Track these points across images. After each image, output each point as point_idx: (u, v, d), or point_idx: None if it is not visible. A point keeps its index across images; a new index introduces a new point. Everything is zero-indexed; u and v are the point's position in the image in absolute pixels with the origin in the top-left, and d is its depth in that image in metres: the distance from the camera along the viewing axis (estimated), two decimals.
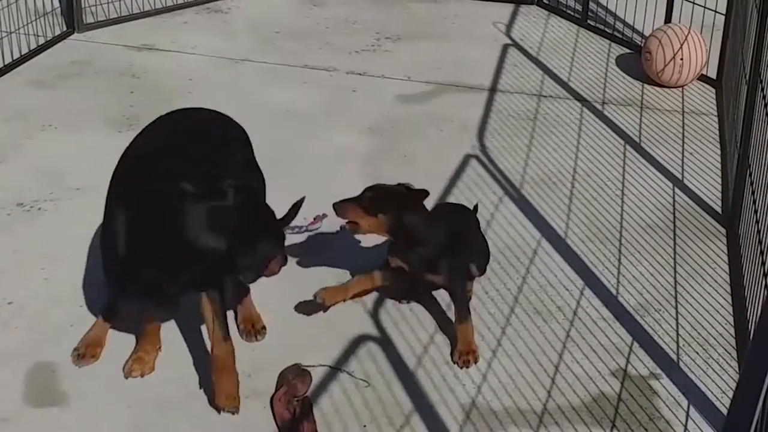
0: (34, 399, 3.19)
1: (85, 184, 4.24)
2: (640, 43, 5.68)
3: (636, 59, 5.55)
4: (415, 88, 5.37)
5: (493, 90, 5.32)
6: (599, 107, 5.14)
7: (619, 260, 3.93)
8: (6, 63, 5.36)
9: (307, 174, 4.46)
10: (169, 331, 3.49)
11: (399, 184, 3.57)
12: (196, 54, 5.69)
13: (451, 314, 3.50)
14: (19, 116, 4.92)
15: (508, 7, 6.40)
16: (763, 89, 3.70)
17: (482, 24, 6.18)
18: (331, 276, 3.79)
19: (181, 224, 2.89)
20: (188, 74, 5.41)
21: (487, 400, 3.22)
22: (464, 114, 5.06)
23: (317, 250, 3.96)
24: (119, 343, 3.43)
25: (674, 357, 3.41)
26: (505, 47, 5.84)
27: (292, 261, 3.87)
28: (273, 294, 3.69)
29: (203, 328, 3.51)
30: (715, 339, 3.50)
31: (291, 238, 3.97)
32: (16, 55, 5.45)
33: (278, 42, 5.92)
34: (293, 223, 3.38)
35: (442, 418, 3.14)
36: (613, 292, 3.75)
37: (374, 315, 3.59)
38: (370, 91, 5.34)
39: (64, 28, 5.88)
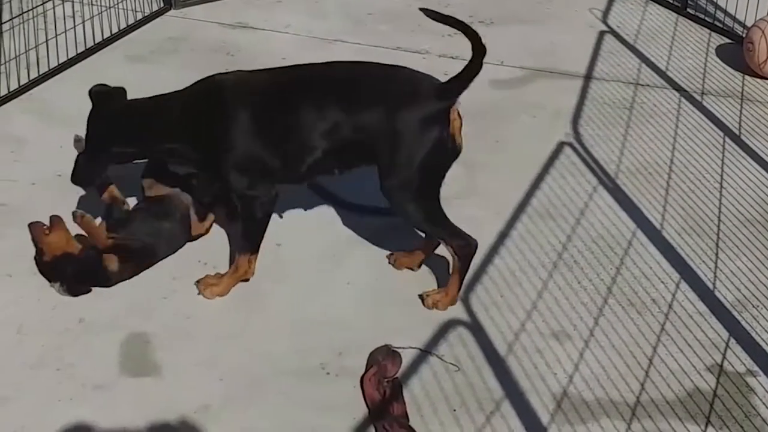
0: (128, 368, 3.24)
1: None
2: (741, 33, 5.53)
3: (737, 50, 5.41)
4: (508, 73, 5.31)
5: (588, 77, 5.24)
6: (698, 98, 5.02)
7: (717, 254, 3.84)
8: (104, 37, 5.44)
9: None
10: (261, 308, 3.52)
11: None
12: (289, 33, 5.71)
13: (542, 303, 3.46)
14: None
15: None
16: None
17: (578, 9, 6.09)
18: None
19: None
20: (281, 53, 5.42)
21: (578, 390, 3.18)
22: (558, 101, 4.99)
23: (405, 233, 3.94)
24: (212, 318, 3.46)
25: None
26: (601, 34, 5.75)
27: (378, 243, 3.87)
28: (363, 275, 3.69)
29: (291, 308, 3.54)
30: None
31: (379, 220, 3.98)
32: (114, 30, 5.53)
33: (370, 23, 5.90)
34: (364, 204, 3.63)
35: (533, 407, 3.11)
36: (710, 286, 3.67)
37: (465, 300, 3.57)
38: None
39: (161, 5, 5.94)
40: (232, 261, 3.68)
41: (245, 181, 3.47)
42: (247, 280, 3.60)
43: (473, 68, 3.39)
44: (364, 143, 3.42)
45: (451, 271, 3.53)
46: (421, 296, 3.55)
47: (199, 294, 3.56)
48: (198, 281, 3.59)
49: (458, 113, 3.44)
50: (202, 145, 3.51)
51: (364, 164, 3.52)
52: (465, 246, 3.49)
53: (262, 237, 3.58)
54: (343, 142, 3.43)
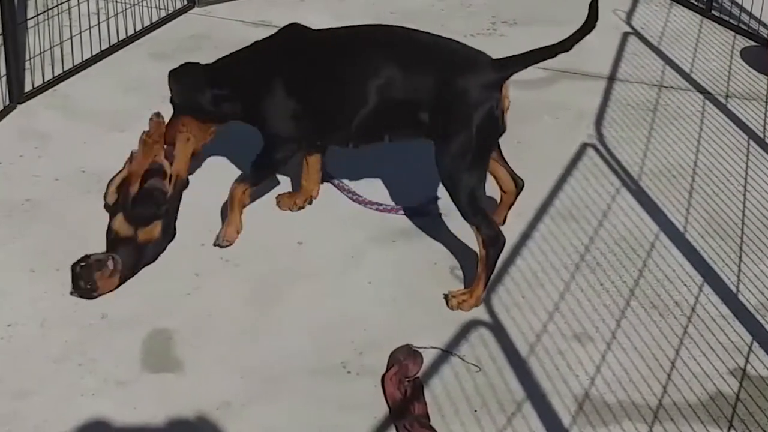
0: (150, 364, 3.25)
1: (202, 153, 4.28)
2: (766, 36, 5.50)
3: (762, 52, 5.38)
4: (531, 74, 5.23)
5: (611, 78, 5.22)
6: (722, 100, 4.99)
7: (740, 258, 3.81)
8: (128, 34, 5.47)
9: (419, 157, 4.42)
10: (282, 306, 3.52)
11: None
12: None
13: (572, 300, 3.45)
14: (140, 87, 5.01)
15: None
16: None
17: (602, 11, 5.89)
18: (442, 257, 3.77)
19: None
20: None
21: (600, 392, 3.16)
22: (581, 102, 4.98)
23: (428, 232, 3.94)
24: (233, 316, 3.47)
25: None
26: (625, 35, 5.72)
27: (399, 242, 3.87)
28: (384, 275, 3.69)
29: (312, 307, 3.54)
30: None
31: (402, 219, 3.98)
32: (138, 27, 5.55)
33: (393, 22, 5.86)
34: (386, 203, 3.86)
35: (554, 408, 3.10)
36: (733, 289, 3.65)
37: (486, 300, 3.56)
38: None
39: (185, 3, 5.96)
40: (251, 254, 3.69)
41: (283, 126, 3.66)
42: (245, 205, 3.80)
43: (538, 52, 3.52)
44: (419, 107, 3.48)
45: (478, 268, 3.49)
46: (445, 296, 3.54)
47: (218, 244, 3.75)
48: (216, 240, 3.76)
49: (508, 93, 3.53)
50: (265, 90, 3.69)
51: (417, 133, 3.56)
52: (494, 238, 3.47)
53: (268, 177, 3.86)
54: (398, 102, 3.50)
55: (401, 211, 4.01)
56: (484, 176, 3.53)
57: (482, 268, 3.48)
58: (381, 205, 4.05)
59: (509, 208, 3.88)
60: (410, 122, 3.53)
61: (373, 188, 4.14)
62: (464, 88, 3.44)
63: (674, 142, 4.62)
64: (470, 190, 3.47)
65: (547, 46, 3.50)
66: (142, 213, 3.64)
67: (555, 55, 3.51)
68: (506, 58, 3.52)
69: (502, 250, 3.52)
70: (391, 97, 3.50)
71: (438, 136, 3.49)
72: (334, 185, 4.12)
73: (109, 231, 3.66)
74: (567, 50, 3.50)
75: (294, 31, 3.83)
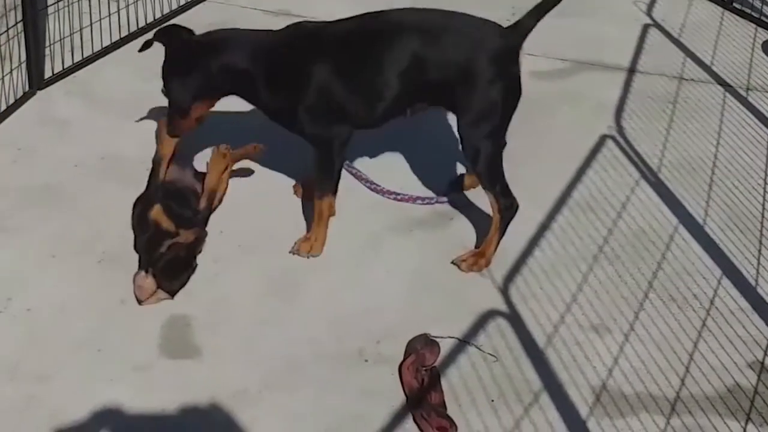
0: (168, 350, 3.26)
1: (226, 141, 4.28)
2: None
3: None
4: (550, 65, 5.28)
5: (631, 70, 5.20)
6: (743, 93, 4.96)
7: (760, 251, 3.80)
8: (147, 22, 5.47)
9: (437, 147, 4.43)
10: (300, 294, 3.53)
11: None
12: None
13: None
14: (159, 74, 4.98)
15: None
16: None
17: (622, 2, 6.03)
18: (459, 247, 3.76)
19: None
20: None
21: (618, 383, 3.16)
22: (600, 93, 4.96)
23: (445, 222, 3.93)
24: (252, 303, 3.48)
25: None
26: (645, 27, 5.69)
27: (417, 232, 3.86)
28: (402, 264, 3.69)
29: (330, 295, 3.54)
30: None
31: (419, 208, 3.97)
32: (158, 15, 5.55)
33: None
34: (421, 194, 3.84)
35: (571, 399, 3.09)
36: (752, 283, 3.63)
37: (504, 291, 3.56)
38: None
39: None
40: (270, 242, 3.69)
41: (323, 122, 3.58)
42: (333, 214, 3.78)
43: (542, 6, 3.64)
44: (442, 82, 3.53)
45: (491, 231, 3.62)
46: (455, 263, 3.63)
47: (293, 252, 3.68)
48: (294, 248, 3.69)
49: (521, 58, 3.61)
50: (281, 87, 3.60)
51: (438, 105, 3.64)
52: (510, 206, 3.62)
53: (339, 178, 3.73)
54: (422, 80, 3.54)
55: (419, 201, 4.01)
56: (502, 146, 3.64)
57: (494, 231, 3.62)
58: (398, 194, 4.05)
59: None
60: (433, 97, 3.61)
61: (391, 177, 4.14)
62: (483, 58, 3.51)
63: (694, 134, 4.59)
64: (492, 158, 3.58)
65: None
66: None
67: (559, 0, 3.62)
68: (516, 22, 3.63)
69: (514, 217, 3.65)
70: (416, 75, 3.53)
71: (460, 107, 3.56)
72: (352, 174, 4.12)
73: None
74: None
75: (302, 26, 3.76)
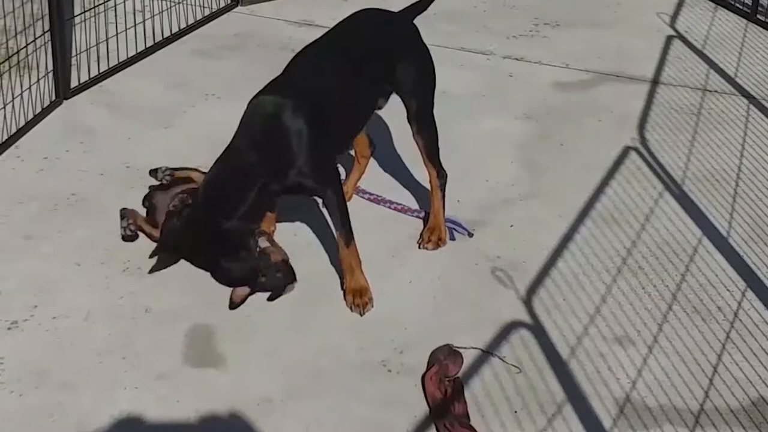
0: (192, 359, 3.27)
1: None
2: None
3: None
4: (573, 76, 5.28)
5: (655, 82, 5.19)
6: (767, 105, 4.95)
7: None
8: (173, 32, 5.52)
9: (459, 157, 4.44)
10: (323, 305, 3.54)
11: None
12: None
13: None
14: (184, 84, 5.06)
15: None
16: None
17: (645, 13, 6.04)
18: (482, 258, 3.77)
19: None
20: None
21: (641, 396, 3.15)
22: (624, 105, 4.96)
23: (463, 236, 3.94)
24: (275, 313, 3.49)
25: None
26: (669, 38, 5.69)
27: (447, 244, 3.87)
28: (424, 274, 3.70)
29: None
30: None
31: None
32: (183, 25, 5.60)
33: (435, 23, 5.88)
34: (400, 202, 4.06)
35: (595, 411, 3.09)
36: None
37: (527, 302, 3.56)
38: (527, 76, 5.28)
39: (229, 1, 6.00)
40: (294, 252, 3.71)
41: (324, 173, 3.46)
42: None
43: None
44: (386, 74, 3.71)
45: (435, 204, 3.85)
46: (422, 248, 3.82)
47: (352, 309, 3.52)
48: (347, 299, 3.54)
49: None
50: (279, 159, 3.41)
51: (391, 92, 3.79)
52: (444, 176, 3.86)
53: (347, 211, 3.53)
54: (372, 78, 3.67)
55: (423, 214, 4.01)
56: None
57: (439, 202, 3.86)
58: (410, 208, 4.08)
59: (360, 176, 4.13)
60: (386, 89, 3.76)
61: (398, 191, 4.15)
62: (407, 42, 3.81)
63: (718, 146, 4.58)
64: (435, 132, 3.83)
65: None
66: None
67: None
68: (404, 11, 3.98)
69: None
70: (366, 77, 3.64)
71: (404, 91, 3.75)
72: (373, 200, 4.13)
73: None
74: None
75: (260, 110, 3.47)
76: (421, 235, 3.88)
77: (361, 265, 3.55)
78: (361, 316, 3.49)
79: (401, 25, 3.88)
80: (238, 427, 3.02)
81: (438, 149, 3.83)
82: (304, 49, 3.76)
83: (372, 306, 3.52)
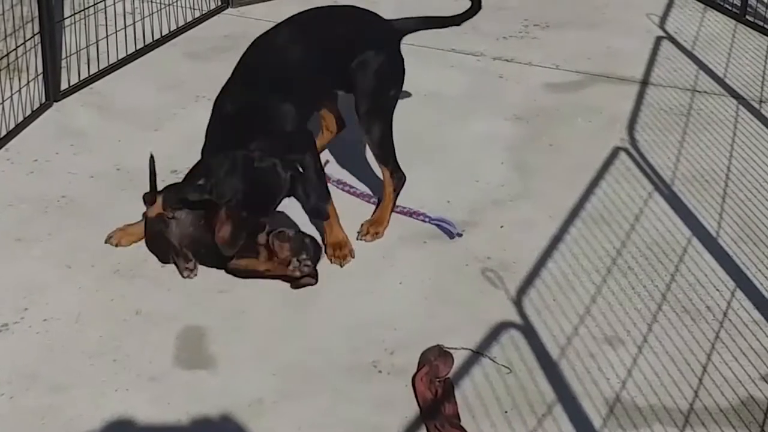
0: (183, 361, 3.27)
1: None
2: None
3: None
4: (564, 77, 5.30)
5: (644, 83, 5.21)
6: (756, 105, 4.97)
7: None
8: (163, 34, 5.52)
9: (449, 159, 4.46)
10: (314, 306, 3.55)
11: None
12: None
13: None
14: (174, 86, 5.06)
15: None
16: None
17: (635, 15, 6.05)
18: (472, 259, 3.78)
19: None
20: None
21: (631, 395, 3.16)
22: (614, 106, 4.97)
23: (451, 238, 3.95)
24: (266, 314, 3.49)
25: None
26: (658, 39, 5.71)
27: (430, 243, 3.88)
28: (415, 275, 3.70)
29: (344, 307, 3.55)
30: None
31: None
32: (173, 27, 5.60)
33: None
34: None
35: (585, 411, 3.10)
36: (766, 295, 3.63)
37: (517, 303, 3.57)
38: (517, 77, 5.29)
39: (219, 3, 6.00)
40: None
41: (301, 141, 3.62)
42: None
43: (431, 20, 4.18)
44: (343, 66, 3.76)
45: (385, 200, 3.90)
46: (360, 239, 3.84)
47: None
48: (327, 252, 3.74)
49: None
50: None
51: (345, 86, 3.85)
52: (401, 178, 3.89)
53: (324, 181, 3.73)
54: (331, 72, 3.76)
55: (424, 217, 4.02)
56: (391, 125, 3.85)
57: (390, 200, 3.89)
58: (362, 193, 4.16)
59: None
60: (342, 81, 3.80)
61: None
62: (371, 42, 3.82)
63: (707, 146, 4.60)
64: (389, 135, 3.82)
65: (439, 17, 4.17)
66: None
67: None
68: (399, 20, 4.04)
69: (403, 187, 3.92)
70: (324, 63, 3.72)
71: (356, 90, 3.78)
72: (355, 195, 4.16)
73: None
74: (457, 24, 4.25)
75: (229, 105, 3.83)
76: (362, 225, 3.90)
77: (339, 220, 3.73)
78: (341, 267, 3.68)
79: (377, 28, 3.92)
80: (230, 429, 3.03)
81: (390, 152, 3.85)
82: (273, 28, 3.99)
83: (352, 257, 3.72)
